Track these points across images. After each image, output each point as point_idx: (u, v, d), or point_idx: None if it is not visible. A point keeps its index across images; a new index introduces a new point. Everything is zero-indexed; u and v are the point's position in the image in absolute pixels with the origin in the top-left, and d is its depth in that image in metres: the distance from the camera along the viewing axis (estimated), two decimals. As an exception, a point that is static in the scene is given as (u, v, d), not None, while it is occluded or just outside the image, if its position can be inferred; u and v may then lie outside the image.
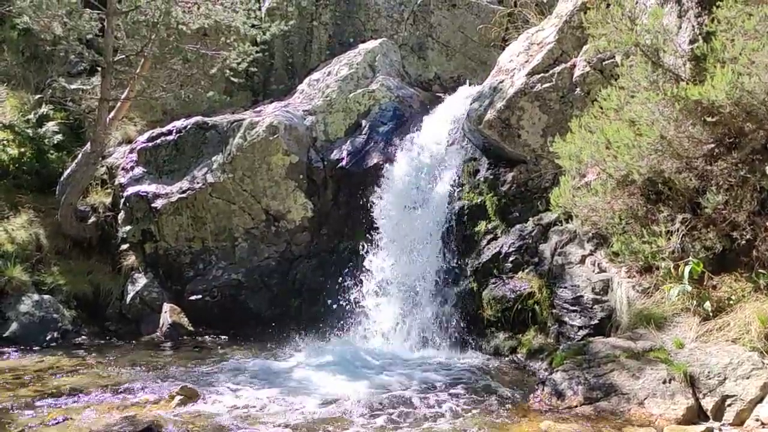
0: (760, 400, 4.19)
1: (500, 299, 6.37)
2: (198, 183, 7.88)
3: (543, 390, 4.88)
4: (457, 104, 7.74)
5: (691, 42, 5.20)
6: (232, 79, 8.46)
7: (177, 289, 7.88)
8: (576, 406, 4.61)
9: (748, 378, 4.26)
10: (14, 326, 7.03)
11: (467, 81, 8.47)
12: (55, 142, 8.98)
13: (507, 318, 6.32)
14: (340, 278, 7.33)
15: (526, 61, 7.02)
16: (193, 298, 7.76)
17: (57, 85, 9.47)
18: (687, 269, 4.89)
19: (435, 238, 7.01)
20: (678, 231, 4.99)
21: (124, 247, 8.09)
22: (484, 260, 6.65)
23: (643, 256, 5.20)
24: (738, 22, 4.66)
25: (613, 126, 5.17)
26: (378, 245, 7.22)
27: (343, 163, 7.92)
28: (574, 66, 6.70)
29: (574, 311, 5.89)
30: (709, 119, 4.79)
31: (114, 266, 8.16)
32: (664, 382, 4.46)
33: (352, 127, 8.27)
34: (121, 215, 8.14)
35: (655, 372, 4.54)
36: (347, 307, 7.14)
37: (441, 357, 6.40)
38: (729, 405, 4.26)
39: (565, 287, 6.01)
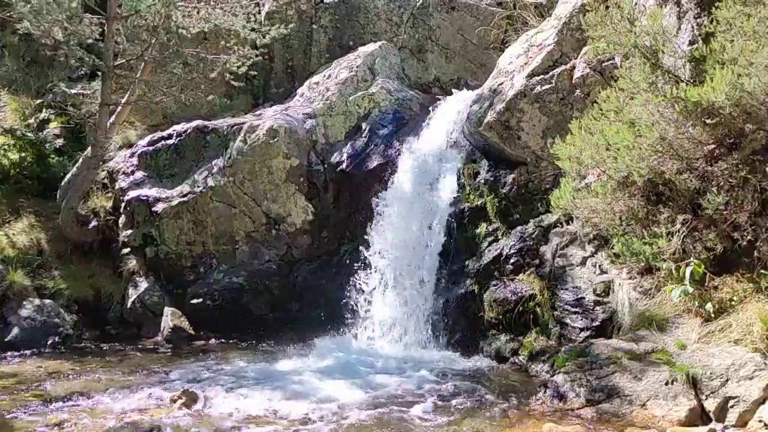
0: (763, 401, 4.18)
1: (501, 301, 6.36)
2: (199, 187, 7.88)
3: (545, 392, 4.88)
4: (456, 106, 7.74)
5: (691, 43, 5.21)
6: (232, 82, 8.46)
7: (178, 292, 7.88)
8: (578, 408, 4.61)
9: (750, 379, 4.26)
10: (16, 331, 7.02)
11: (466, 82, 8.48)
12: (56, 146, 8.99)
13: (508, 320, 6.31)
14: (341, 281, 7.32)
15: (525, 63, 7.02)
16: (194, 301, 7.76)
17: (57, 90, 9.46)
18: (688, 270, 4.88)
19: (436, 240, 7.00)
20: (679, 232, 4.99)
21: (125, 251, 8.08)
22: (485, 262, 6.65)
23: (644, 257, 5.20)
24: (737, 23, 4.66)
25: (613, 127, 5.17)
26: (377, 248, 7.21)
27: (344, 166, 7.92)
28: (573, 68, 6.70)
29: (575, 313, 5.89)
30: (709, 120, 4.79)
31: (115, 270, 8.16)
32: (667, 384, 4.45)
33: (352, 130, 8.27)
34: (122, 219, 8.15)
35: (657, 373, 4.54)
36: (347, 310, 7.13)
37: (442, 359, 6.39)
38: (732, 406, 4.25)
39: (567, 289, 6.01)
